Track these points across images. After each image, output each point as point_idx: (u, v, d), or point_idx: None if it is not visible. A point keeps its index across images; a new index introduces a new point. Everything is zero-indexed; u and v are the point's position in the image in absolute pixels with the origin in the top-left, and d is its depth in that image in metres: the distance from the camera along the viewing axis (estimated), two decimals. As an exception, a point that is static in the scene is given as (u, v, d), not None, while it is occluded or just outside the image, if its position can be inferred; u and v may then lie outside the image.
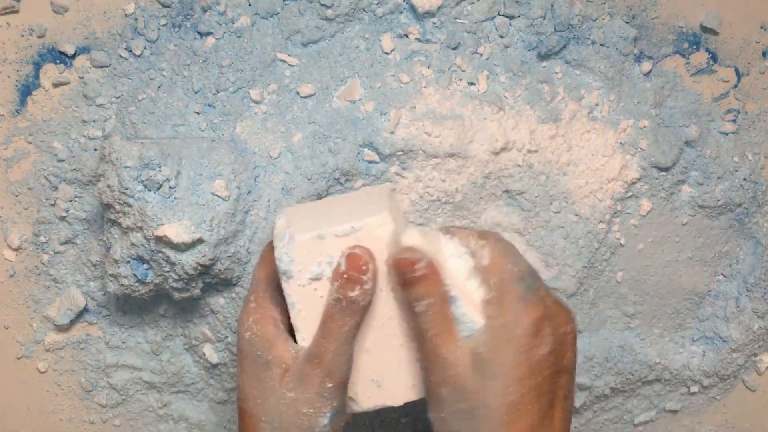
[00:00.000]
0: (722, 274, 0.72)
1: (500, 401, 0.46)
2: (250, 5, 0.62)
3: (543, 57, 0.64)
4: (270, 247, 0.53)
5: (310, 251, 0.50)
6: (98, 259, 0.67)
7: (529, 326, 0.47)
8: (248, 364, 0.52)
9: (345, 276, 0.49)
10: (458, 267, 0.50)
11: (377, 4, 0.62)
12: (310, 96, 0.63)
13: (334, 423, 0.51)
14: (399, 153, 0.62)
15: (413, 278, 0.48)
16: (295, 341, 0.52)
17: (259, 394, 0.51)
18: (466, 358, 0.48)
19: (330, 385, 0.49)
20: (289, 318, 0.52)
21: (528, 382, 0.46)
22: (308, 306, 0.51)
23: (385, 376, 0.53)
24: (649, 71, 0.66)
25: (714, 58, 0.67)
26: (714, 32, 0.66)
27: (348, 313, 0.49)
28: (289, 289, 0.51)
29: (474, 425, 0.47)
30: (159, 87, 0.63)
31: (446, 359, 0.48)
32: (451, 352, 0.48)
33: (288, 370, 0.50)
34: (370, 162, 0.62)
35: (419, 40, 0.63)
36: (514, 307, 0.47)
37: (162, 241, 0.58)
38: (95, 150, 0.65)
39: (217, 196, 0.59)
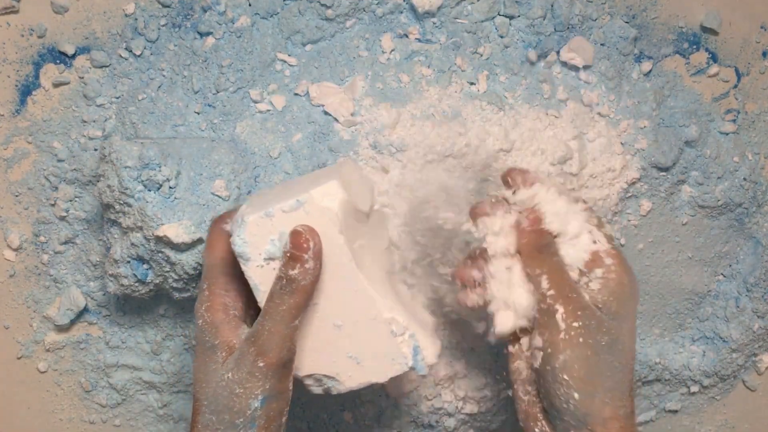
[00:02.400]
0: (722, 274, 0.72)
1: (631, 340, 0.52)
2: (250, 5, 0.62)
3: (543, 57, 0.64)
4: (215, 232, 0.52)
5: (261, 230, 0.49)
6: (98, 259, 0.67)
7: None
8: (199, 350, 0.52)
9: (288, 254, 0.48)
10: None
11: (377, 4, 0.62)
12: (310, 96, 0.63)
13: (267, 408, 0.50)
14: (399, 152, 0.62)
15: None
16: (250, 326, 0.51)
17: (204, 378, 0.51)
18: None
19: (261, 365, 0.48)
20: (243, 303, 0.52)
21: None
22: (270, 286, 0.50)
23: (362, 351, 0.52)
24: (649, 71, 0.66)
25: (714, 58, 0.67)
26: (714, 32, 0.66)
27: (287, 291, 0.48)
28: (250, 271, 0.50)
29: (613, 356, 0.50)
30: (159, 87, 0.63)
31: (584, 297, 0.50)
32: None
33: (231, 352, 0.50)
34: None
35: (419, 40, 0.63)
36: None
37: (162, 241, 0.58)
38: (95, 150, 0.65)
39: (217, 196, 0.59)
